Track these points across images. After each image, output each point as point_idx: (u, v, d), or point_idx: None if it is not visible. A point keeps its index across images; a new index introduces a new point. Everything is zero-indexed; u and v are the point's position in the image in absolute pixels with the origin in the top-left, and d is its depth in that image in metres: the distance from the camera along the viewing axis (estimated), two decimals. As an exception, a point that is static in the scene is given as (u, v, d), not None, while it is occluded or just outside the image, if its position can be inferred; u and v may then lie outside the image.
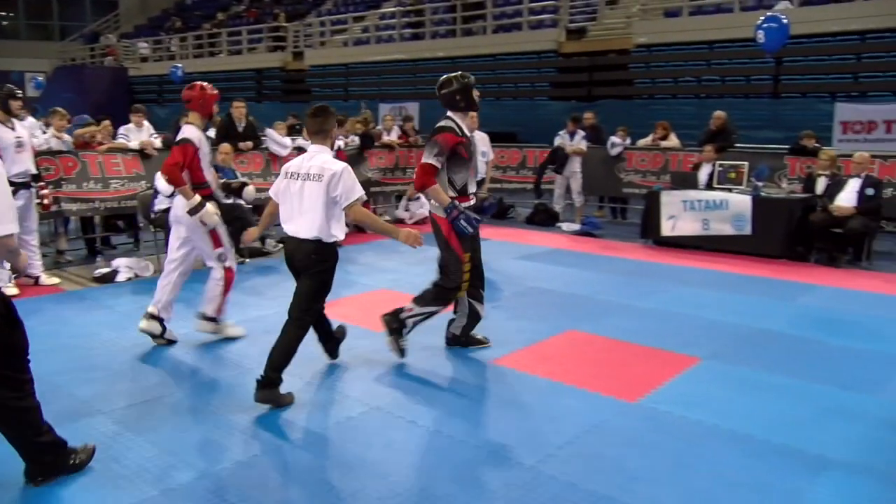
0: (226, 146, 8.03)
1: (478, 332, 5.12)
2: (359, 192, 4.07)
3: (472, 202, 4.86)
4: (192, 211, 4.89)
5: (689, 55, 14.20)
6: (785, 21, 10.51)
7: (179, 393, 4.32)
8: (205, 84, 5.11)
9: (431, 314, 4.89)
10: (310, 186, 4.06)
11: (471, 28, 17.92)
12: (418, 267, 6.86)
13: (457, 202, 4.68)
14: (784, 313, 5.98)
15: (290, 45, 21.94)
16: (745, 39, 11.91)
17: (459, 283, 4.78)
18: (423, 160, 4.65)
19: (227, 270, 5.15)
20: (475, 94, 4.78)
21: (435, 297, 4.86)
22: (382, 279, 7.14)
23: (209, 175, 5.14)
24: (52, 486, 3.21)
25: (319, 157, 4.13)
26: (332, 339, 4.81)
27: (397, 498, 3.15)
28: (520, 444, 3.64)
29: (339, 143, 9.39)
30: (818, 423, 3.91)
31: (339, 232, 4.15)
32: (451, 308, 5.04)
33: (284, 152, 9.08)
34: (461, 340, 5.08)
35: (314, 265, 4.11)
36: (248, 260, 7.94)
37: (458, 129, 4.69)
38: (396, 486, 3.24)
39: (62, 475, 3.28)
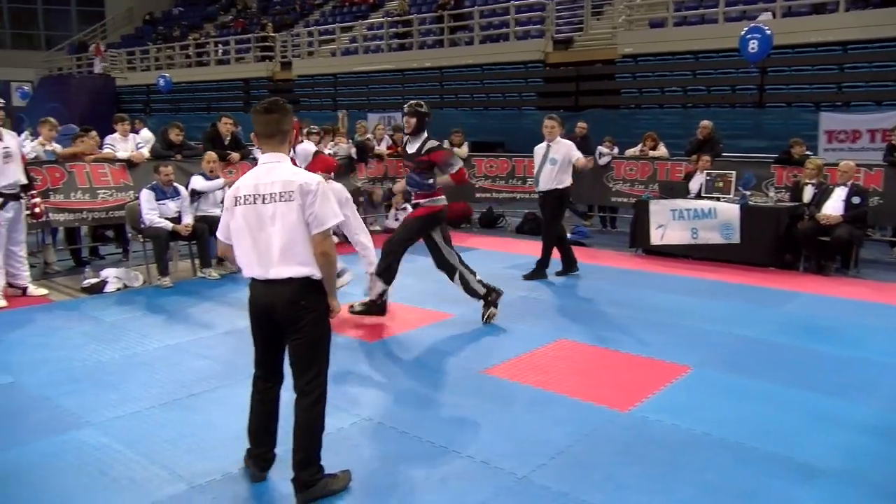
0: (211, 154, 8.04)
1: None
2: (334, 217, 3.11)
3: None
4: None
5: (674, 65, 14.32)
6: (768, 32, 10.65)
7: (168, 404, 4.28)
8: None
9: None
10: (278, 209, 3.05)
11: (458, 38, 18.00)
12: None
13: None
14: (772, 321, 6.03)
15: (278, 55, 21.95)
16: (730, 50, 12.04)
17: None
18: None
19: None
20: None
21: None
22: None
23: None
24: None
25: (280, 170, 3.12)
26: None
27: (389, 509, 3.15)
28: (511, 453, 3.64)
29: (328, 150, 9.40)
30: (806, 430, 3.93)
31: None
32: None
33: None
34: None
35: (303, 314, 3.10)
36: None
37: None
38: (385, 499, 3.24)
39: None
